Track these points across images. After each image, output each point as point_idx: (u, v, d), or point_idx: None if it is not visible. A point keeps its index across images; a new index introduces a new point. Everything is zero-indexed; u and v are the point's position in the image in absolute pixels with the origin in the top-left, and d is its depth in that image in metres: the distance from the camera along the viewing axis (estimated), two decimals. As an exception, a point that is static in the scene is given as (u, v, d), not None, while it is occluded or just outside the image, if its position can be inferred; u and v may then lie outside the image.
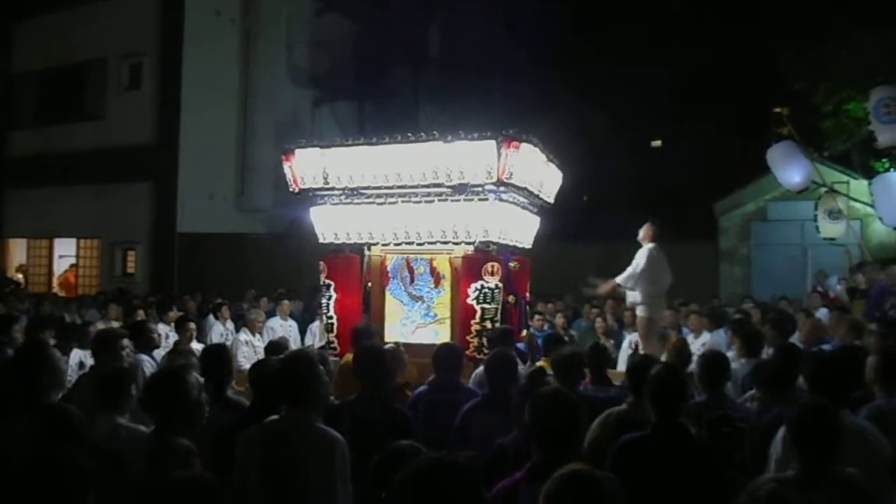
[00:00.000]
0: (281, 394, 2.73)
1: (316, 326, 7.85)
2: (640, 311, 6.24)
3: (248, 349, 6.90)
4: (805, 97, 12.94)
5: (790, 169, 10.07)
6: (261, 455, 2.58)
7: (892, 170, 9.36)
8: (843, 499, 2.21)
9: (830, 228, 10.15)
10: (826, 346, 4.79)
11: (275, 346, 4.99)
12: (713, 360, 3.62)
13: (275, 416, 2.69)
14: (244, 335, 7.15)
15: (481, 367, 4.03)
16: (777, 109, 10.95)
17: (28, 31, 14.97)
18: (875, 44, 11.58)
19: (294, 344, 7.57)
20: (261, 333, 7.33)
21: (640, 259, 6.21)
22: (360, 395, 3.36)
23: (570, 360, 3.71)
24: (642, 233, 6.37)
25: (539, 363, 4.61)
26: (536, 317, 7.29)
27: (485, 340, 4.87)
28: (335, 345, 5.41)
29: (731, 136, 14.91)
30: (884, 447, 2.65)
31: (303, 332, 8.14)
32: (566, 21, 14.91)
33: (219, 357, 3.60)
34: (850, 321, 5.17)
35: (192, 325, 5.88)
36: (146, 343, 4.89)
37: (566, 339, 5.60)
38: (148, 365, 4.64)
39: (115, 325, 7.05)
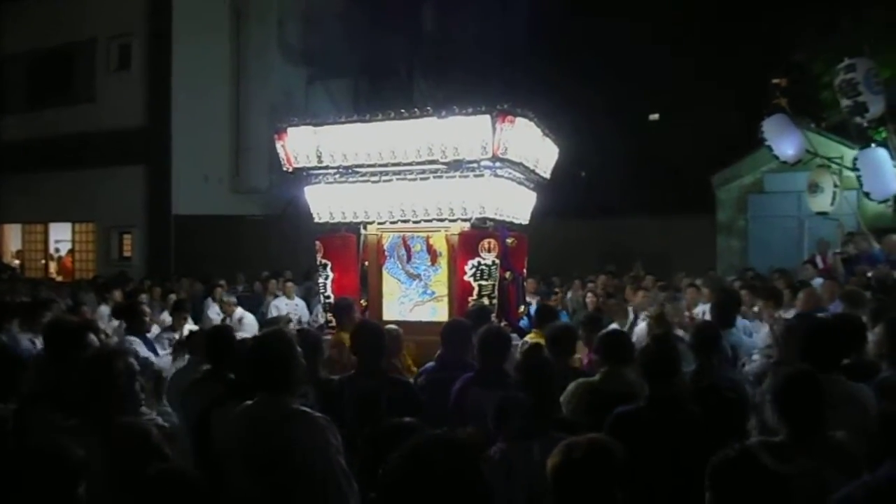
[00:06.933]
0: (255, 378, 2.56)
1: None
2: None
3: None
4: (804, 68, 12.80)
5: (784, 141, 10.02)
6: (241, 445, 2.47)
7: (874, 144, 9.35)
8: (831, 463, 2.24)
9: (816, 202, 10.11)
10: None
11: (270, 324, 5.02)
12: (704, 329, 3.66)
13: (249, 402, 2.53)
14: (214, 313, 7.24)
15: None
16: (775, 80, 10.85)
17: (14, 12, 14.69)
18: (877, 15, 11.43)
19: (300, 324, 7.65)
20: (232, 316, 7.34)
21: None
22: (358, 369, 3.37)
23: (562, 331, 3.82)
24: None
25: (530, 335, 4.64)
26: (555, 295, 7.26)
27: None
28: (333, 324, 5.41)
29: (729, 108, 14.78)
30: None
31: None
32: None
33: (221, 338, 3.58)
34: (846, 291, 5.17)
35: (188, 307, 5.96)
36: (138, 326, 4.91)
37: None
38: (140, 347, 4.66)
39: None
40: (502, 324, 4.82)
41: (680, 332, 4.84)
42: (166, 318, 6.64)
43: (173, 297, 7.47)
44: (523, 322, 5.56)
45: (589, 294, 7.44)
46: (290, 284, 8.45)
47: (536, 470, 2.25)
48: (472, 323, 3.92)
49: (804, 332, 3.00)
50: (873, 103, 9.08)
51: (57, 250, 15.09)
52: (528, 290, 7.49)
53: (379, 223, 5.33)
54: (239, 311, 7.27)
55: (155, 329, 5.82)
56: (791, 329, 3.56)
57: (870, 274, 6.38)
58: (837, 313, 4.55)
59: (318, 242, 5.51)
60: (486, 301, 4.95)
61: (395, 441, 1.86)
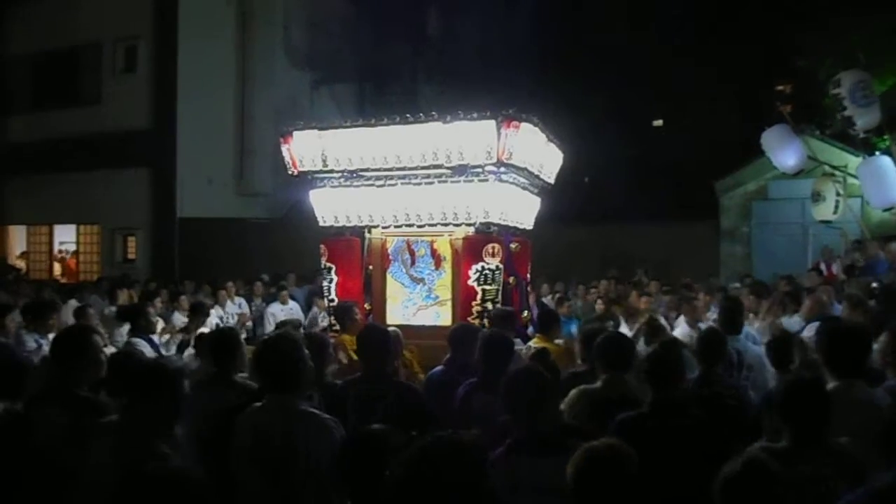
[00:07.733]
0: (263, 380, 2.60)
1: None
2: None
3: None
4: (808, 75, 12.81)
5: (784, 151, 10.01)
6: (249, 445, 2.49)
7: (878, 153, 9.36)
8: (832, 469, 2.24)
9: (819, 210, 10.10)
10: None
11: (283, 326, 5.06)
12: (709, 336, 3.65)
13: (258, 404, 2.57)
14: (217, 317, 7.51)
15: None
16: (779, 87, 10.85)
17: (20, 14, 14.75)
18: (880, 21, 11.44)
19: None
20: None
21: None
22: (363, 373, 3.38)
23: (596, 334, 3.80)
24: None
25: (534, 340, 4.64)
26: (567, 303, 7.21)
27: (486, 322, 4.88)
28: (337, 327, 5.43)
29: (733, 114, 14.79)
30: None
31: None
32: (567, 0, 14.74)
33: (227, 340, 3.59)
34: (847, 293, 5.16)
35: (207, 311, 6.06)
36: (144, 327, 4.93)
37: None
38: (146, 348, 4.69)
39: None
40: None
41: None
42: (176, 320, 6.70)
43: (184, 298, 7.53)
44: (530, 330, 5.56)
45: (599, 300, 7.44)
46: (284, 293, 8.61)
47: (545, 481, 2.25)
48: (497, 327, 3.95)
49: (828, 336, 2.95)
50: (860, 116, 9.13)
51: (61, 252, 15.14)
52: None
53: (383, 227, 5.35)
54: (214, 312, 7.41)
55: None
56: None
57: (874, 284, 6.36)
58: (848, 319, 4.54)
59: (322, 246, 5.53)
60: (489, 306, 4.96)
61: (369, 450, 1.86)
